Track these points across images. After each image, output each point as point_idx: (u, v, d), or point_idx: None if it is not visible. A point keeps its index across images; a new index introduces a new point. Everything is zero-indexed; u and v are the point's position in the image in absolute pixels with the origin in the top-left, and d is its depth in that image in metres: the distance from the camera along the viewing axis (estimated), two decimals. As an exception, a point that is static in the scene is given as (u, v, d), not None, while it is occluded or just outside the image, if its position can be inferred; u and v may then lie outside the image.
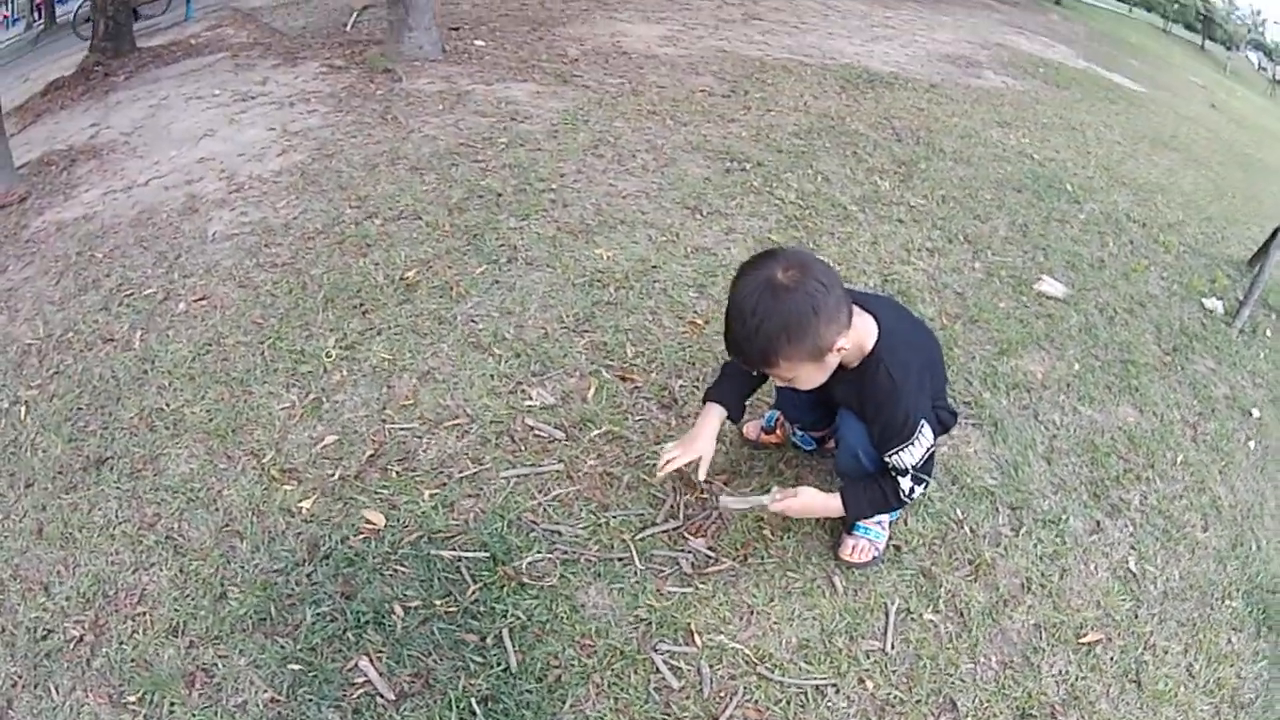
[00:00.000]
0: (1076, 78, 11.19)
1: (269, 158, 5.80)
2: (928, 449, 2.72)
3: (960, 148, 6.79)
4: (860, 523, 3.11)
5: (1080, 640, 3.11)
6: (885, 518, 3.18)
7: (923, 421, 2.68)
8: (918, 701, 2.83)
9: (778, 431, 3.60)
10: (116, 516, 3.34)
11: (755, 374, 3.04)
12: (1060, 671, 3.00)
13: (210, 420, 3.69)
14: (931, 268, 5.04)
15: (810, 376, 2.60)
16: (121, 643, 2.92)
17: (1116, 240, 5.79)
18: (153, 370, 3.98)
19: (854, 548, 3.12)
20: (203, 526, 3.27)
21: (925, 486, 2.88)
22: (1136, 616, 3.24)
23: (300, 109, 6.67)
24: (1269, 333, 5.15)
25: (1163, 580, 3.41)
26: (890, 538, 3.26)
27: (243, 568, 3.12)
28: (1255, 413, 4.44)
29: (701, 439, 3.00)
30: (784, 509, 2.97)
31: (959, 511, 3.46)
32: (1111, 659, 3.08)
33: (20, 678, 2.86)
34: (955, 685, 2.89)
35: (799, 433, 3.51)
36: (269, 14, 10.30)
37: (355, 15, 9.60)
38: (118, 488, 3.45)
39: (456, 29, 8.76)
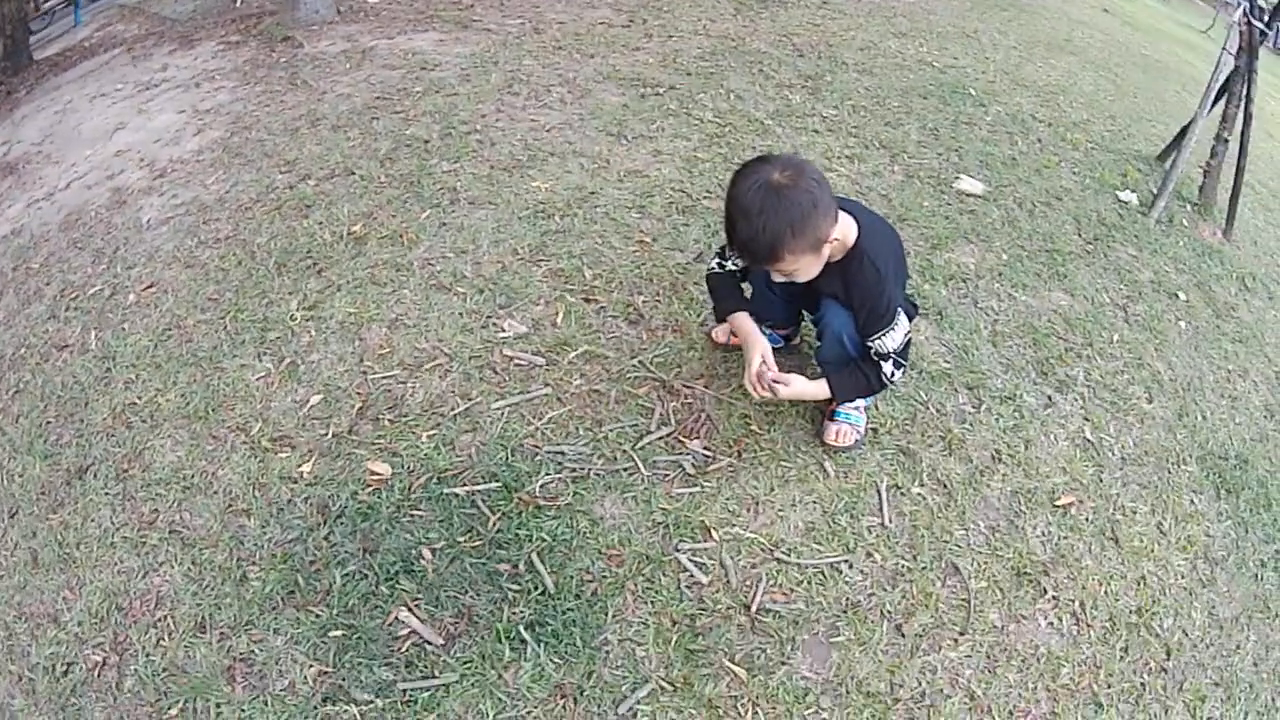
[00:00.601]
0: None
1: (185, 139, 5.38)
2: (906, 334, 2.81)
3: (862, 59, 6.63)
4: (841, 409, 3.15)
5: (1055, 504, 3.15)
6: (862, 403, 3.17)
7: (899, 308, 2.76)
8: (924, 569, 2.85)
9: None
10: (112, 523, 3.04)
11: (740, 277, 3.06)
12: (1043, 532, 3.04)
13: (187, 404, 3.38)
14: (853, 173, 4.92)
15: (809, 267, 2.64)
16: (148, 655, 2.65)
17: (1025, 139, 5.71)
18: (116, 367, 3.64)
19: (837, 432, 3.14)
20: (205, 513, 2.99)
21: (903, 371, 2.90)
22: (1101, 480, 3.28)
23: (207, 88, 6.20)
24: (1185, 222, 5.15)
25: (1119, 448, 3.44)
26: (868, 422, 3.23)
27: (257, 545, 2.86)
28: (1181, 295, 4.47)
29: (755, 338, 2.95)
30: (791, 395, 2.89)
31: (922, 393, 3.44)
32: (1087, 519, 3.12)
33: (50, 724, 2.56)
34: (954, 550, 2.92)
35: (768, 331, 3.40)
36: (156, 4, 9.61)
37: (244, -10, 9.00)
38: (106, 493, 3.14)
39: (346, -11, 8.23)
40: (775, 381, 2.84)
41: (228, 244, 4.22)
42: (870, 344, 2.81)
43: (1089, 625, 2.83)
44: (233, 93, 6.01)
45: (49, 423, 3.51)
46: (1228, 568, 3.15)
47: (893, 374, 2.85)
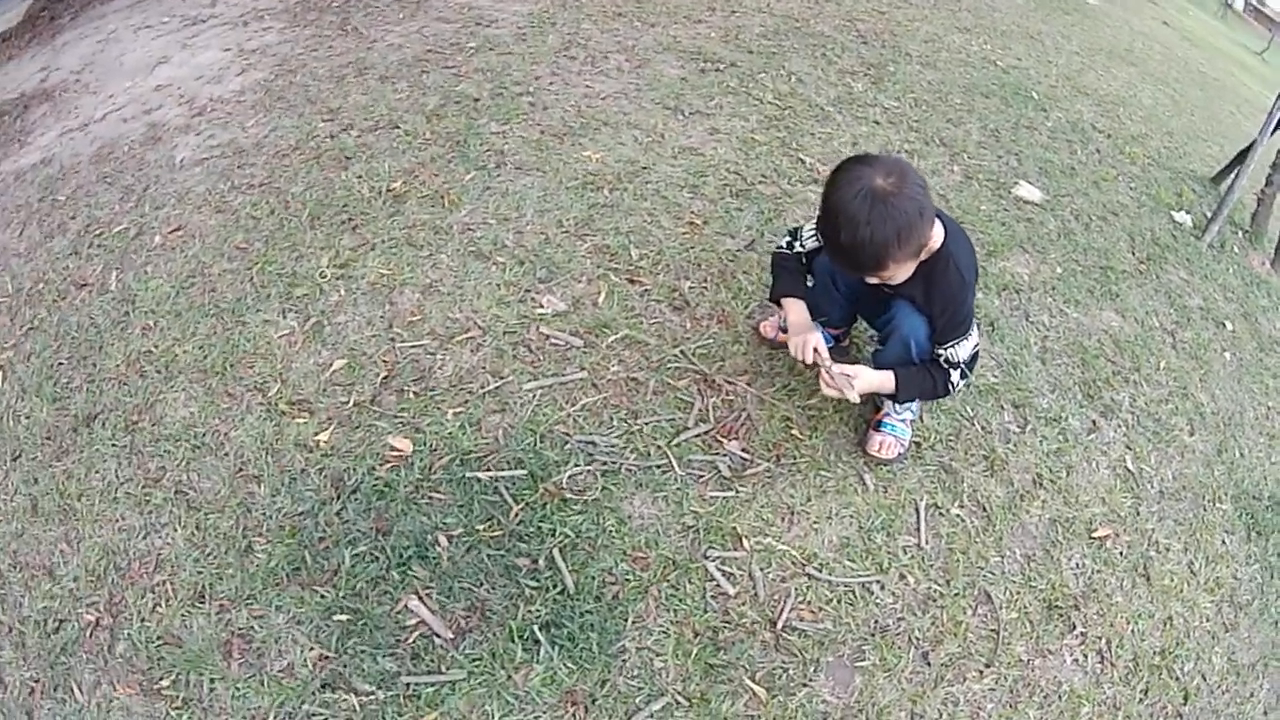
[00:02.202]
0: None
1: (229, 78, 5.27)
2: (975, 345, 2.79)
3: (925, 52, 6.44)
4: (887, 420, 3.08)
5: (1092, 535, 3.06)
6: (910, 415, 3.08)
7: (974, 319, 2.74)
8: (955, 595, 2.75)
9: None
10: (117, 477, 2.94)
11: (805, 264, 3.00)
12: (1077, 564, 2.96)
13: (205, 357, 3.27)
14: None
15: (906, 271, 2.59)
16: (143, 620, 2.56)
17: (1084, 149, 5.53)
18: (134, 311, 3.53)
19: (881, 444, 3.05)
20: (214, 475, 2.89)
21: (967, 382, 2.85)
22: (1139, 514, 3.19)
23: (255, 27, 6.08)
24: (1236, 249, 4.99)
25: (1158, 480, 3.35)
26: (912, 436, 3.12)
27: (265, 515, 2.76)
28: (1229, 325, 4.35)
29: (809, 328, 2.90)
30: (862, 388, 2.78)
31: (969, 409, 3.33)
32: (1121, 554, 3.04)
33: (38, 681, 2.49)
34: (987, 578, 2.83)
35: (819, 328, 3.21)
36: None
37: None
38: (114, 445, 3.03)
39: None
40: (845, 375, 2.72)
41: (261, 191, 4.11)
42: (941, 351, 2.75)
43: (1113, 664, 2.74)
44: (281, 34, 5.89)
45: (61, 364, 3.41)
46: (1251, 613, 3.06)
47: (959, 382, 2.80)
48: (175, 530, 2.75)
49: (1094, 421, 3.48)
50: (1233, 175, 5.13)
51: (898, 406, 3.06)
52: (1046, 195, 4.84)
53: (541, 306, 3.41)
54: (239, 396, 3.12)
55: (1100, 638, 2.79)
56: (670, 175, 4.29)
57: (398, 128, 4.52)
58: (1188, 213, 5.12)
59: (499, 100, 4.82)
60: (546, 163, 4.26)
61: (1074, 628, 2.79)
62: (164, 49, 5.98)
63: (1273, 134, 4.99)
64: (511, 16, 6.06)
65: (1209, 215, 5.05)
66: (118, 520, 2.81)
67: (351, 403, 3.05)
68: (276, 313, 3.42)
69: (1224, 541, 3.25)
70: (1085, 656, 2.73)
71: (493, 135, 4.47)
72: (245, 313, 3.44)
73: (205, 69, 5.50)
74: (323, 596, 2.53)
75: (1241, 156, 5.20)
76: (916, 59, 6.27)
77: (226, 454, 2.94)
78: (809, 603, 2.66)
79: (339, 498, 2.76)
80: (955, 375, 2.77)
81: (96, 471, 2.97)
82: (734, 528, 2.79)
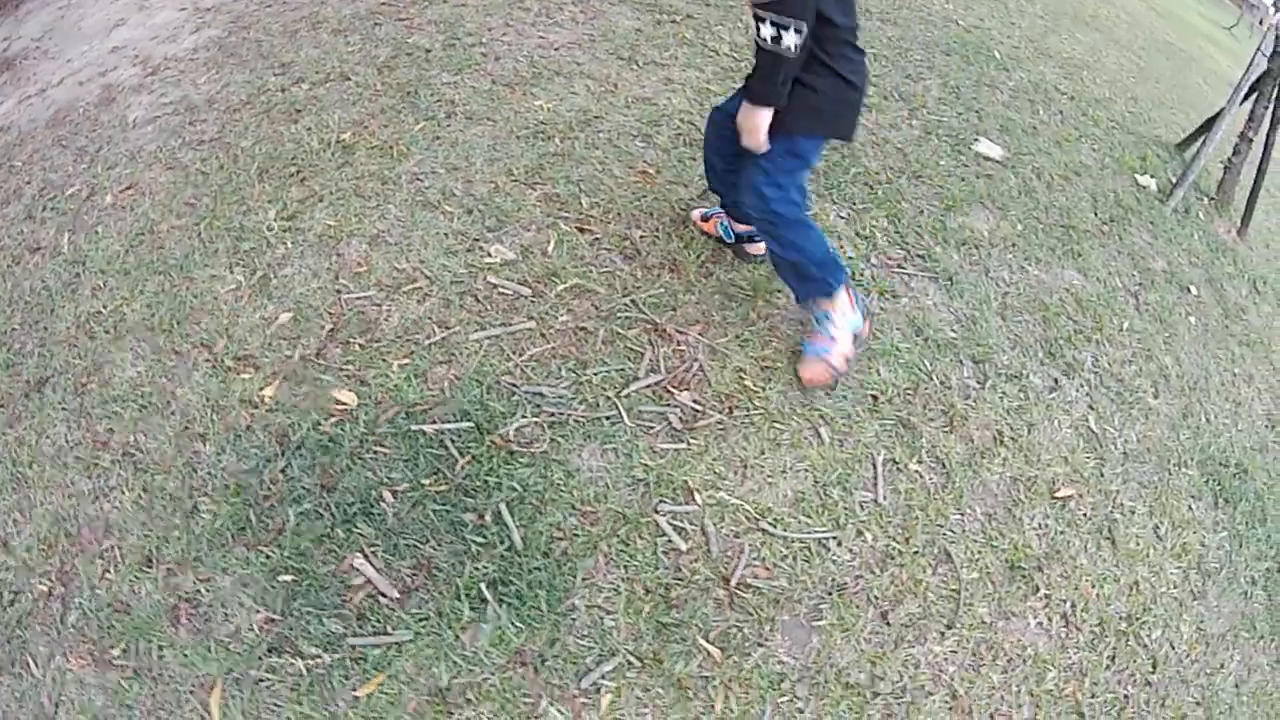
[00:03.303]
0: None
1: (183, 36, 4.97)
2: (793, 36, 2.28)
3: (886, 8, 6.19)
4: (805, 342, 2.93)
5: (1055, 495, 2.90)
6: (824, 335, 2.88)
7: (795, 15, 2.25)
8: (915, 553, 2.59)
9: (712, 220, 3.36)
10: (67, 441, 2.73)
11: None
12: (1039, 525, 2.80)
13: (152, 315, 3.05)
14: (871, 123, 4.52)
15: None
16: (94, 588, 2.37)
17: (1047, 109, 5.32)
18: (85, 272, 3.30)
19: (807, 371, 2.90)
20: (160, 435, 2.68)
21: (780, 46, 2.31)
22: (1102, 475, 3.03)
23: (209, -15, 5.74)
24: (1201, 215, 4.84)
25: (1122, 441, 3.19)
26: (849, 359, 2.92)
27: (210, 474, 2.56)
28: (1193, 290, 4.20)
29: None
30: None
31: (927, 363, 3.16)
32: (1085, 515, 2.88)
33: (-4, 657, 2.29)
34: (947, 536, 2.66)
35: (723, 224, 3.22)
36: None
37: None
38: (63, 408, 2.82)
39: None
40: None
41: (211, 146, 3.85)
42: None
43: (1078, 629, 2.59)
44: (235, -10, 5.57)
45: (14, 330, 3.18)
46: (1219, 581, 2.92)
47: (767, 38, 2.30)
48: (123, 493, 2.55)
49: (1055, 380, 3.32)
50: (1199, 142, 5.00)
51: (814, 325, 2.87)
52: (1007, 153, 4.65)
53: (490, 256, 3.20)
54: (186, 354, 2.91)
55: (1064, 601, 2.64)
56: (623, 124, 4.05)
57: (348, 79, 4.26)
58: (1152, 177, 4.96)
59: (451, 51, 4.55)
60: (497, 112, 4.02)
61: (1037, 589, 2.64)
62: (121, 12, 5.66)
63: (1241, 104, 4.84)
64: (467, -32, 5.75)
65: (1173, 180, 4.90)
66: (68, 486, 2.61)
67: (297, 356, 2.84)
68: (224, 267, 3.19)
69: (1190, 507, 3.10)
70: (1049, 620, 2.58)
71: (444, 86, 4.21)
72: (193, 269, 3.21)
73: (160, 29, 5.20)
74: (268, 557, 2.35)
75: (1208, 124, 5.08)
76: (877, 15, 6.02)
77: (173, 413, 2.74)
78: (763, 559, 2.49)
79: (284, 454, 2.57)
80: (764, 29, 2.29)
81: (47, 437, 2.76)
82: (685, 481, 2.60)
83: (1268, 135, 4.79)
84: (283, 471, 2.53)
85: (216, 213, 3.44)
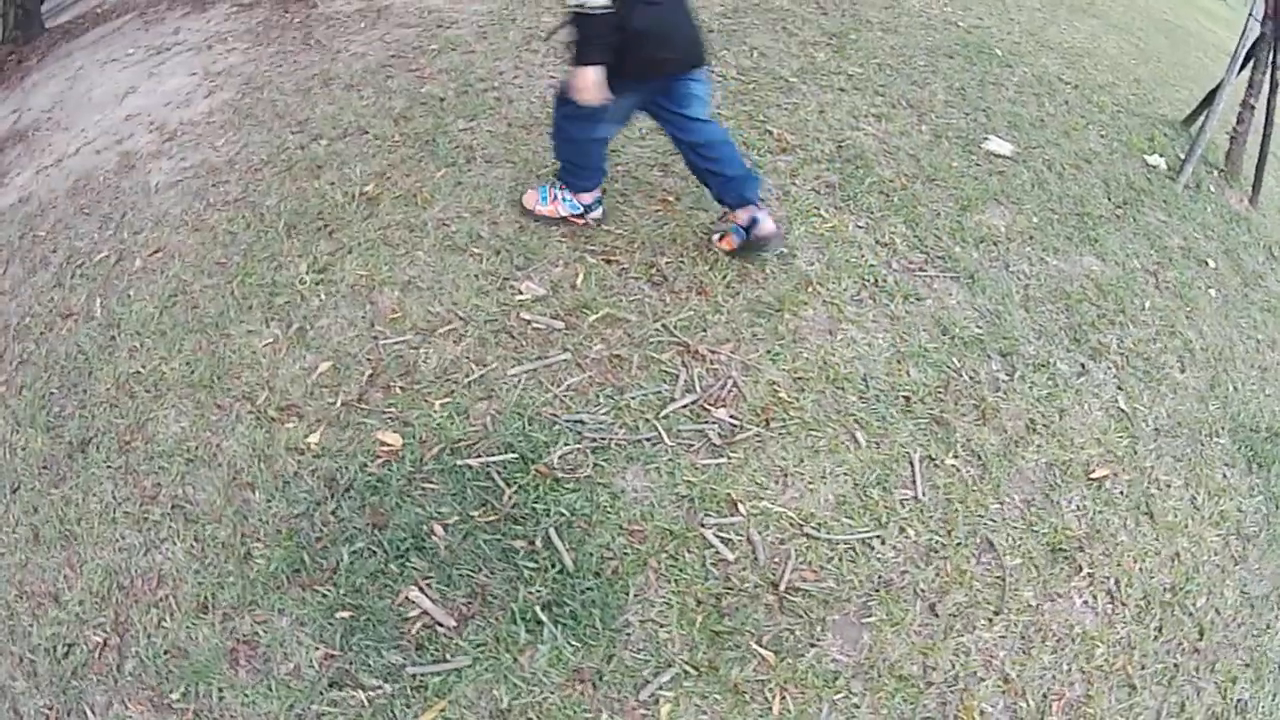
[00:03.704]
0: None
1: (196, 101, 5.14)
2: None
3: (886, 18, 6.31)
4: (544, 186, 3.61)
5: (1090, 477, 2.98)
6: (552, 195, 3.55)
7: None
8: (958, 545, 2.67)
9: (727, 237, 3.58)
10: (114, 498, 2.83)
11: None
12: (1078, 506, 2.88)
13: (192, 373, 3.16)
14: (881, 132, 4.65)
15: None
16: (150, 636, 2.46)
17: (1052, 101, 5.44)
18: (120, 334, 3.42)
19: (530, 197, 3.61)
20: (208, 486, 2.79)
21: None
22: (1135, 453, 3.11)
23: (219, 50, 5.94)
24: (1212, 188, 4.94)
25: (1153, 418, 3.28)
26: (544, 214, 3.59)
27: (261, 521, 2.66)
28: (1211, 263, 4.29)
29: None
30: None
31: (955, 360, 3.26)
32: (1121, 493, 2.96)
33: (51, 709, 2.39)
34: (988, 526, 2.75)
35: (734, 228, 3.54)
36: (169, -30, 9.29)
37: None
38: (109, 467, 2.93)
39: (359, -50, 7.90)
40: None
41: (236, 206, 3.98)
42: None
43: (1123, 604, 2.66)
44: (245, 54, 5.76)
45: (52, 394, 3.30)
46: (1259, 544, 2.99)
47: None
48: (175, 544, 2.65)
49: (1083, 365, 3.40)
50: (1203, 116, 5.07)
51: (553, 181, 3.56)
52: (1017, 148, 4.75)
53: (520, 293, 3.31)
54: (228, 407, 3.02)
55: (1108, 578, 2.71)
56: (639, 155, 4.18)
57: (366, 133, 4.40)
58: (1161, 156, 5.05)
59: (465, 98, 4.70)
60: (516, 154, 4.15)
61: (1080, 569, 2.71)
62: (131, 79, 5.85)
63: (1239, 73, 4.93)
64: (471, 16, 5.93)
65: (1182, 157, 4.98)
66: (118, 540, 2.71)
67: (339, 403, 2.95)
68: (259, 322, 3.31)
69: (1225, 475, 3.17)
70: (1095, 597, 2.66)
71: (460, 132, 4.35)
72: (229, 325, 3.33)
73: (173, 95, 5.37)
74: (324, 596, 2.44)
75: (1210, 98, 5.15)
76: (877, 25, 6.14)
77: (220, 464, 2.84)
78: (810, 563, 2.58)
79: (333, 497, 2.67)
80: None
81: (94, 495, 2.86)
82: (728, 494, 2.70)
83: (1268, 101, 4.85)
84: (333, 513, 2.62)
85: (248, 270, 3.56)
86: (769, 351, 3.14)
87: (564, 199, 3.58)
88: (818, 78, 5.16)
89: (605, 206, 3.65)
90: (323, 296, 3.36)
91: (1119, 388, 3.35)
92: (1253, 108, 4.98)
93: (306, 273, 3.47)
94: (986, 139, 4.77)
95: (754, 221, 3.34)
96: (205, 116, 4.90)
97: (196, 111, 5.00)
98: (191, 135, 4.75)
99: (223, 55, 5.78)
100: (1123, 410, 3.26)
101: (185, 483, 2.81)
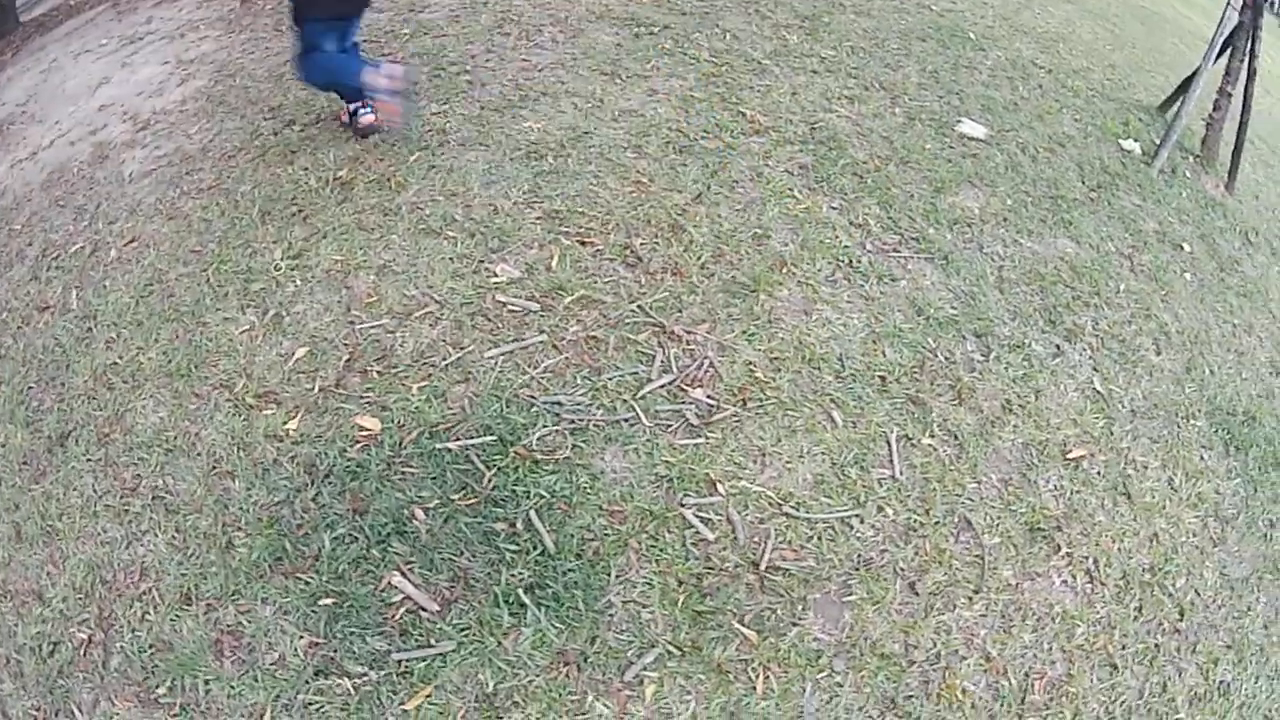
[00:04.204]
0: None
1: (169, 90, 5.10)
2: None
3: (859, 1, 6.29)
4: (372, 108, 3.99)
5: (1067, 457, 3.01)
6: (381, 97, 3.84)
7: None
8: (936, 524, 2.70)
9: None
10: (95, 491, 2.82)
11: None
12: (1055, 486, 2.91)
13: (169, 362, 3.15)
14: (854, 114, 4.65)
15: None
16: (134, 630, 2.46)
17: (1026, 85, 5.45)
18: (97, 326, 3.41)
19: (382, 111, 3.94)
20: (189, 476, 2.78)
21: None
22: (1112, 433, 3.15)
23: (191, 38, 5.90)
24: (1187, 174, 4.97)
25: (1128, 400, 3.31)
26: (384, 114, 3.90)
27: (242, 509, 2.65)
28: (1186, 247, 4.33)
29: None
30: None
31: (931, 340, 3.27)
32: (1099, 474, 3.00)
33: (39, 709, 2.39)
34: (966, 505, 2.77)
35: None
36: (140, -41, 9.19)
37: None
38: (89, 460, 2.92)
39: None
40: None
41: (210, 194, 3.96)
42: None
43: (1102, 583, 2.69)
44: (217, 41, 5.71)
45: (30, 388, 3.29)
46: (1238, 526, 3.03)
47: None
48: (156, 536, 2.64)
49: (1058, 346, 3.43)
50: (1179, 102, 5.11)
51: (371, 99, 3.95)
52: (991, 131, 4.76)
53: (496, 276, 3.30)
54: (206, 396, 3.01)
55: (1087, 558, 2.74)
56: (612, 138, 4.16)
57: (339, 118, 4.37)
58: (1136, 141, 5.08)
59: (437, 81, 4.68)
60: (489, 136, 4.13)
61: (1059, 549, 2.74)
62: (104, 70, 5.80)
63: (1216, 60, 4.95)
64: (443, 1, 5.89)
65: (1157, 142, 5.01)
66: (99, 534, 2.70)
67: (317, 389, 2.94)
68: (235, 309, 3.30)
69: (1202, 458, 3.21)
70: (1074, 577, 2.69)
71: (434, 115, 4.33)
72: (205, 314, 3.31)
73: (146, 84, 5.33)
74: (307, 583, 2.44)
75: (1187, 84, 5.18)
76: (850, 8, 6.13)
77: (199, 454, 2.83)
78: (790, 542, 2.59)
79: (313, 483, 2.66)
80: None
81: (74, 489, 2.85)
82: (707, 474, 2.71)
83: (1246, 88, 4.90)
84: (314, 500, 2.62)
85: (223, 258, 3.54)
86: (745, 332, 3.14)
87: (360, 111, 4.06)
88: (790, 60, 5.15)
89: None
90: (298, 282, 3.34)
91: (1094, 369, 3.37)
92: (1230, 95, 5.03)
93: (281, 259, 3.45)
94: (960, 121, 4.77)
95: (355, 114, 4.04)
96: (178, 105, 4.87)
97: (169, 100, 4.96)
98: (165, 124, 4.72)
99: (195, 43, 5.74)
100: (1098, 391, 3.29)
101: (165, 473, 2.80)
